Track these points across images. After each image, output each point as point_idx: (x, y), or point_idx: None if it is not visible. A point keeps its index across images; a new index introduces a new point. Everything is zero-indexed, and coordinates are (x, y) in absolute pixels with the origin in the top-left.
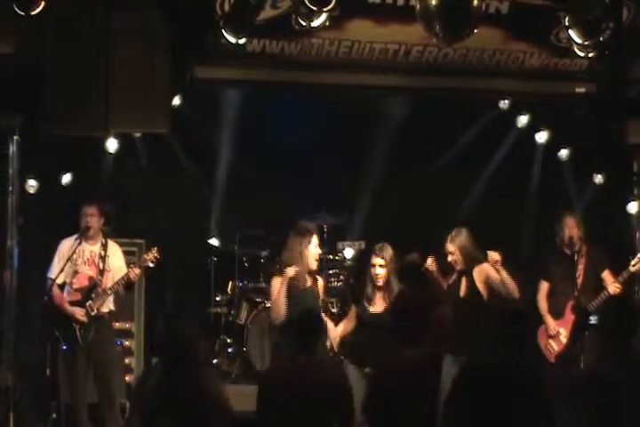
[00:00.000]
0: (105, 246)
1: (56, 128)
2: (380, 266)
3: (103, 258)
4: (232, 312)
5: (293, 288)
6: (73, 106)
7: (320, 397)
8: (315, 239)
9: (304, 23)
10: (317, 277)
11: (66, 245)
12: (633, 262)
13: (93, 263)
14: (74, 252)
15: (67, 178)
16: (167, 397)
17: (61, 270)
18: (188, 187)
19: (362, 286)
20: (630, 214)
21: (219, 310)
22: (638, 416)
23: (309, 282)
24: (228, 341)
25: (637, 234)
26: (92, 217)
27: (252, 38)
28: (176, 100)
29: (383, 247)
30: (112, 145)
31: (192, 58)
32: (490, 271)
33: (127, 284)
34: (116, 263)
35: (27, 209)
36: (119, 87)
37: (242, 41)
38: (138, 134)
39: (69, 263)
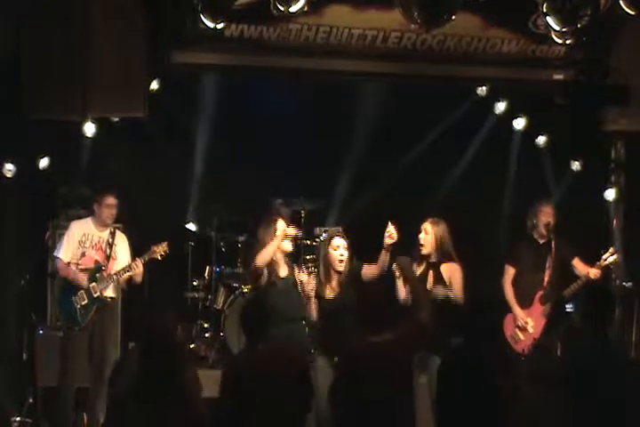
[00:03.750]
0: (113, 234)
1: (34, 112)
2: (345, 248)
3: (110, 245)
4: (209, 297)
5: (271, 277)
6: (51, 90)
7: (279, 383)
8: (288, 230)
9: (282, 8)
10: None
11: (76, 227)
12: (604, 257)
13: (100, 249)
14: (84, 234)
15: (44, 162)
16: (143, 382)
17: (68, 250)
18: (165, 171)
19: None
20: (607, 202)
21: (196, 295)
22: (614, 404)
23: (287, 271)
24: (205, 326)
25: (614, 221)
26: (113, 208)
27: (231, 23)
28: (154, 85)
29: (342, 231)
30: (90, 129)
31: (170, 42)
32: (457, 271)
33: (129, 278)
34: (122, 254)
35: (4, 193)
36: (97, 71)
37: (220, 26)
38: (116, 119)
39: (78, 245)
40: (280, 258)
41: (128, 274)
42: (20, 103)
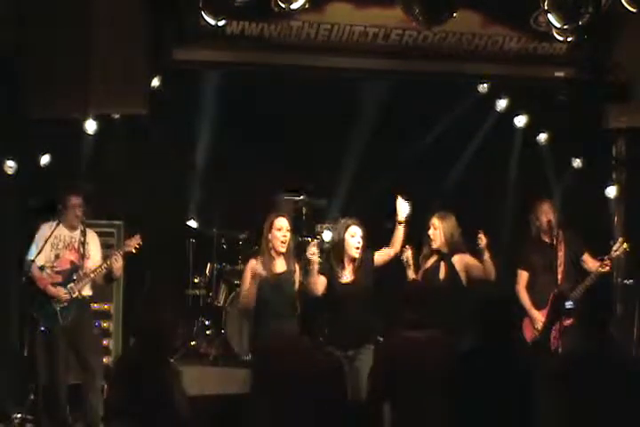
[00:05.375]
0: (84, 233)
1: (35, 110)
2: (362, 237)
3: (83, 244)
4: (210, 294)
5: (265, 274)
6: (52, 87)
7: (317, 383)
8: (279, 222)
9: (283, 5)
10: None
11: (46, 228)
12: (614, 248)
13: (74, 248)
14: (55, 236)
15: (45, 159)
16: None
17: (41, 253)
18: (166, 168)
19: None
20: (609, 199)
21: (197, 292)
22: (612, 403)
23: (282, 267)
24: (207, 323)
25: (616, 218)
26: (78, 208)
27: (232, 20)
28: (155, 82)
29: (359, 221)
30: (91, 126)
31: (171, 39)
32: (470, 260)
33: (108, 275)
34: (94, 252)
35: (5, 190)
36: (98, 69)
37: (221, 23)
38: (117, 116)
39: (50, 247)
40: (276, 254)
41: (105, 271)
42: (21, 100)
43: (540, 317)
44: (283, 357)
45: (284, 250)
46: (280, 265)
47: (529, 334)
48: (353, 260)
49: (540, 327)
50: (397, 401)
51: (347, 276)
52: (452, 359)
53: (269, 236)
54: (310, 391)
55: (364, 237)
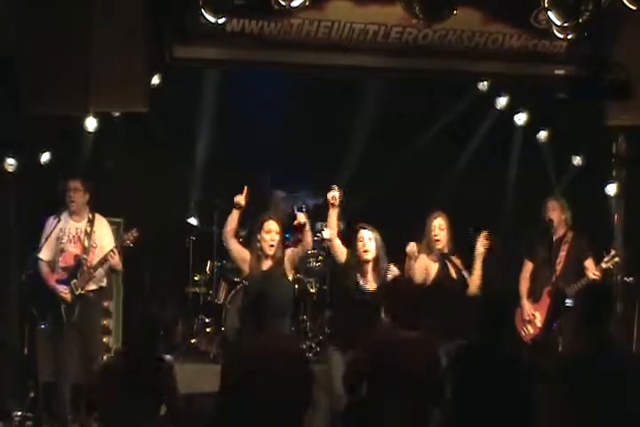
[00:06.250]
0: (91, 222)
1: (35, 107)
2: (369, 239)
3: (89, 234)
4: (210, 292)
5: (253, 272)
6: (52, 85)
7: (281, 374)
8: (268, 225)
9: (283, 3)
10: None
11: (52, 223)
12: (606, 259)
13: (79, 241)
14: (60, 229)
15: (46, 157)
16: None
17: (47, 248)
18: (167, 166)
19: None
20: (609, 196)
21: (197, 290)
22: (612, 403)
23: (268, 265)
24: (207, 320)
25: (616, 216)
26: (76, 192)
27: (232, 18)
28: (155, 80)
29: (369, 225)
30: (91, 124)
31: (171, 37)
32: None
33: (111, 267)
34: (103, 240)
35: (5, 188)
36: (98, 66)
37: (221, 20)
38: (117, 113)
39: (56, 241)
40: (264, 254)
41: (106, 265)
42: (21, 99)
43: (528, 308)
44: (260, 357)
45: (271, 252)
46: (268, 265)
47: (519, 323)
48: (367, 262)
49: (528, 318)
50: (369, 400)
51: (368, 283)
52: (429, 364)
53: (258, 237)
54: (280, 391)
55: (374, 239)
